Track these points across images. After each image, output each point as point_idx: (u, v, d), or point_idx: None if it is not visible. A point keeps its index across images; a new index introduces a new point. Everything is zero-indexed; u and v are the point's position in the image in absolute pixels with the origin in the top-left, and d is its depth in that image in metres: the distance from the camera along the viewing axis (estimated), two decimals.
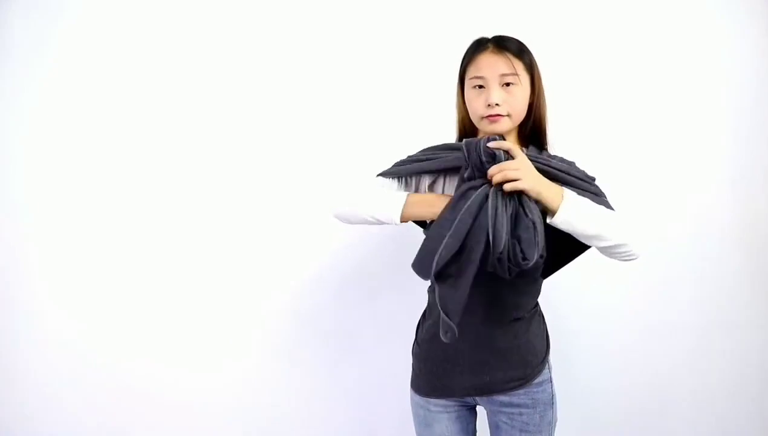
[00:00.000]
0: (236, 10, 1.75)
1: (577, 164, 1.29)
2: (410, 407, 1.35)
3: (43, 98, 1.77)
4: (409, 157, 1.29)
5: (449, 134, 1.37)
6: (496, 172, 1.06)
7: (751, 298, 1.70)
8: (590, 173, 1.27)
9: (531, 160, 1.14)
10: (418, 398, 1.31)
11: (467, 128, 1.31)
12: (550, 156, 1.28)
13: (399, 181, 1.26)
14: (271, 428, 1.77)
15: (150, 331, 1.77)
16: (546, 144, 1.32)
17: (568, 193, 1.10)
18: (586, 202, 1.11)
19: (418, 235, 1.26)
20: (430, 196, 1.18)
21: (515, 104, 1.21)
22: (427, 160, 1.23)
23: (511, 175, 1.05)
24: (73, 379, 1.77)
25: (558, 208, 1.08)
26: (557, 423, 1.27)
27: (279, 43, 1.75)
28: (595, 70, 1.71)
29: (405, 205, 1.14)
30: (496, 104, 1.19)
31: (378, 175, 1.27)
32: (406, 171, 1.24)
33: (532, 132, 1.29)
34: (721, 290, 1.70)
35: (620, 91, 1.71)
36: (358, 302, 1.74)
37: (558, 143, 1.35)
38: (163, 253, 1.77)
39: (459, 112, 1.32)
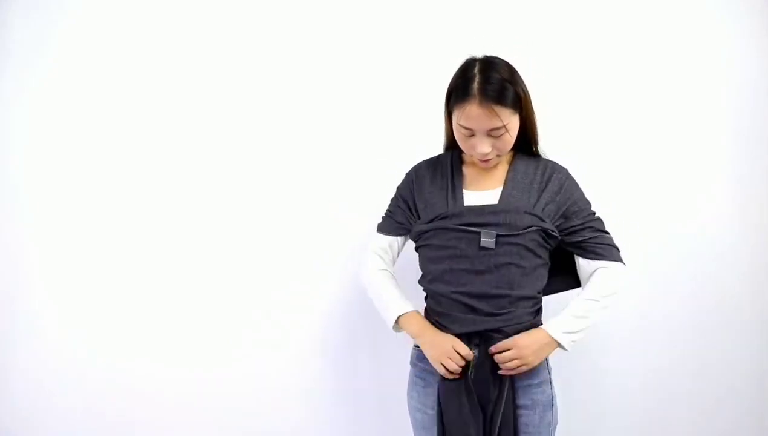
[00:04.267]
0: (239, 11, 1.75)
1: (571, 169, 1.31)
2: (408, 413, 1.36)
3: (43, 98, 1.77)
4: (400, 196, 1.38)
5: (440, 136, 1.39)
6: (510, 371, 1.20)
7: (752, 297, 1.70)
8: (586, 174, 1.32)
9: (520, 172, 1.27)
10: (415, 402, 1.31)
11: (453, 140, 1.33)
12: (542, 163, 1.30)
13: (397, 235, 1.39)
14: (273, 429, 1.77)
15: (150, 331, 1.77)
16: (536, 147, 1.33)
17: (553, 332, 1.22)
18: (568, 318, 1.24)
19: None
20: (417, 329, 1.28)
21: (504, 147, 1.24)
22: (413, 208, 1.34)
23: (516, 365, 1.19)
24: (73, 380, 1.77)
25: (560, 344, 1.22)
26: (557, 426, 1.27)
27: (284, 45, 1.75)
28: (594, 70, 1.70)
29: (397, 323, 1.31)
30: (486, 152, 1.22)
31: (378, 230, 1.41)
32: (399, 231, 1.38)
33: (520, 138, 1.30)
34: (721, 289, 1.69)
35: (620, 92, 1.70)
36: (358, 304, 1.74)
37: (558, 145, 1.35)
38: (164, 254, 1.76)
39: (446, 128, 1.35)
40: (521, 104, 1.22)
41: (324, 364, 1.76)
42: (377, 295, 1.36)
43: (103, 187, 1.77)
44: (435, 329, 1.25)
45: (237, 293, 1.76)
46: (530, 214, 1.22)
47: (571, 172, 1.33)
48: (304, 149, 1.75)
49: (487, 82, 1.17)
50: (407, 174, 1.39)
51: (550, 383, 1.27)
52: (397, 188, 1.40)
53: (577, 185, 1.30)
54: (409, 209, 1.34)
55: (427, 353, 1.24)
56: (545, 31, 1.68)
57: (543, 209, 1.24)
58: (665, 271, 1.70)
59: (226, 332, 1.76)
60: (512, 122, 1.21)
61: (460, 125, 1.21)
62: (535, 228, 1.21)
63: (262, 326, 1.76)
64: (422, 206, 1.31)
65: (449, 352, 1.19)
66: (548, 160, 1.32)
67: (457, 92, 1.21)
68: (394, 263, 1.41)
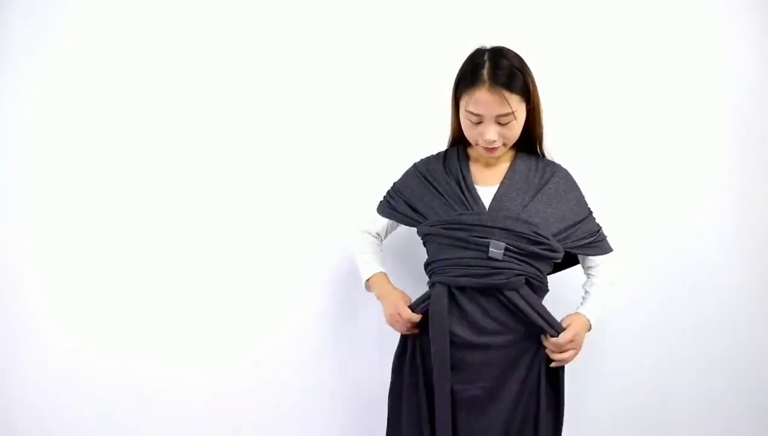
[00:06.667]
0: (238, 9, 1.75)
1: (571, 168, 1.31)
2: None
3: (43, 98, 1.76)
4: (401, 188, 1.39)
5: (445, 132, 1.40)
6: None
7: (753, 297, 1.70)
8: (587, 174, 1.34)
9: (521, 178, 1.27)
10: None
11: (459, 135, 1.34)
12: (543, 164, 1.30)
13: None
14: (276, 428, 1.77)
15: (151, 332, 1.76)
16: (541, 148, 1.33)
17: (593, 319, 1.32)
18: (600, 308, 1.34)
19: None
20: (377, 291, 1.38)
21: (511, 136, 1.25)
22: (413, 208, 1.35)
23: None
24: (73, 380, 1.76)
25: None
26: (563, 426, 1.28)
27: (282, 42, 1.75)
28: (595, 70, 1.71)
29: (366, 283, 1.41)
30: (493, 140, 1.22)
31: (378, 208, 1.44)
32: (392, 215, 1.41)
33: (524, 136, 1.30)
34: (722, 289, 1.70)
35: (620, 92, 1.71)
36: (357, 303, 1.74)
37: (558, 145, 1.36)
38: (164, 253, 1.76)
39: (452, 121, 1.35)
40: (529, 95, 1.23)
41: (329, 363, 1.76)
42: (355, 258, 1.46)
43: (104, 187, 1.76)
44: (390, 290, 1.36)
45: (238, 293, 1.76)
46: (538, 241, 1.22)
47: (571, 171, 1.34)
48: (303, 149, 1.75)
49: (498, 68, 1.19)
50: (413, 165, 1.40)
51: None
52: (401, 178, 1.41)
53: (576, 187, 1.31)
54: (411, 201, 1.35)
55: (384, 315, 1.36)
56: (545, 31, 1.69)
57: (536, 213, 1.24)
58: (665, 272, 1.70)
59: (226, 332, 1.76)
60: (520, 110, 1.22)
61: (468, 112, 1.22)
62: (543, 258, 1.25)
63: (263, 326, 1.76)
64: (429, 198, 1.30)
65: (394, 315, 1.31)
66: (549, 161, 1.32)
67: (466, 78, 1.22)
68: (381, 238, 1.48)
